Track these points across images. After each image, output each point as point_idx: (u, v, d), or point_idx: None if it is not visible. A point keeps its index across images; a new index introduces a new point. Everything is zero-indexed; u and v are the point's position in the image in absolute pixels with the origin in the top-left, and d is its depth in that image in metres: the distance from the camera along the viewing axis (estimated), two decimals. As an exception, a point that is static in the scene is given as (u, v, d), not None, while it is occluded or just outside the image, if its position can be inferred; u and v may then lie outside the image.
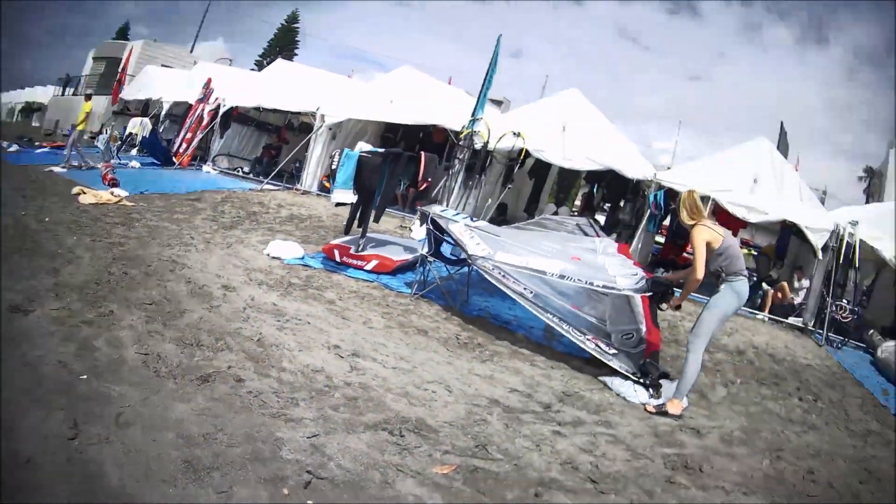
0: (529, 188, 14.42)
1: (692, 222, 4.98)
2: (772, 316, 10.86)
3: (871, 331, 11.36)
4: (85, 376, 2.98)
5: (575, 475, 3.30)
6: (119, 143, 13.86)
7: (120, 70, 20.17)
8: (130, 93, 18.40)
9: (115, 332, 3.60)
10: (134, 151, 14.48)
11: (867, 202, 48.66)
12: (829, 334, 10.47)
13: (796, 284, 11.79)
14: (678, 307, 5.41)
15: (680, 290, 5.28)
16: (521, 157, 11.03)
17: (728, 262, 4.96)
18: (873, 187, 59.42)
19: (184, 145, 14.16)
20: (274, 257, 6.36)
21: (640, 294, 5.74)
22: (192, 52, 26.53)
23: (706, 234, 4.91)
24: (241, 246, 6.82)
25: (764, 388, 6.57)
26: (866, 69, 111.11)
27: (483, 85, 10.97)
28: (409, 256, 6.72)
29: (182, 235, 6.68)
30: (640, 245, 10.83)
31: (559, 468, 3.33)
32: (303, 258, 6.48)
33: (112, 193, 8.10)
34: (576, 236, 6.86)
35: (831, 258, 10.96)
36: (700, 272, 4.87)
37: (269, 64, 15.15)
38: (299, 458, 2.62)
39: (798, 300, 11.58)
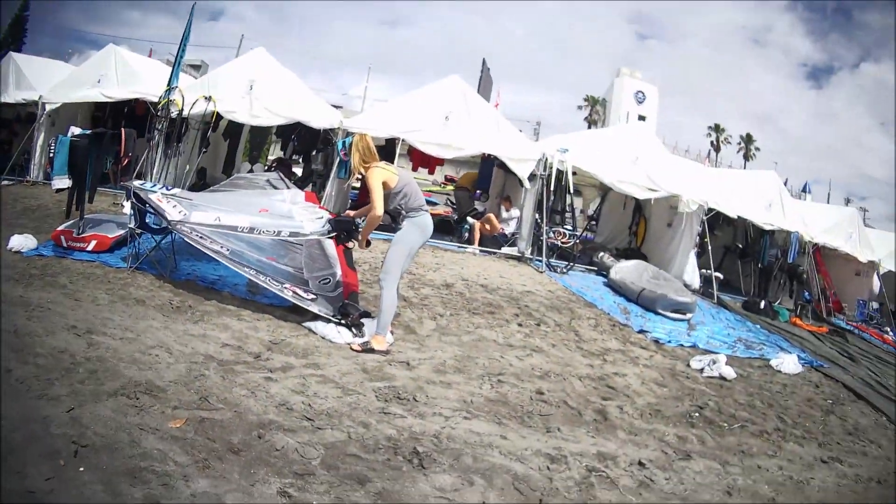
0: (225, 150, 14.54)
1: (366, 165, 5.24)
2: (483, 248, 11.45)
3: (602, 253, 12.36)
4: None
5: (290, 415, 3.60)
6: None
7: None
8: None
9: None
10: None
11: (589, 128, 54.31)
12: (551, 260, 11.06)
13: (504, 215, 12.50)
14: (368, 244, 5.62)
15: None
16: (214, 120, 11.14)
17: (407, 199, 5.23)
18: (595, 115, 66.02)
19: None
20: (16, 251, 6.56)
21: (325, 235, 6.08)
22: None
23: (380, 174, 5.16)
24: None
25: (477, 317, 6.90)
26: (590, 1, 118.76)
27: (177, 54, 10.91)
28: (122, 232, 7.00)
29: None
30: (333, 192, 11.30)
31: (275, 410, 3.62)
32: (37, 248, 6.73)
33: None
34: (266, 191, 7.27)
35: (541, 186, 11.39)
36: (379, 209, 5.10)
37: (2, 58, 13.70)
38: (65, 432, 2.89)
39: (510, 230, 12.29)
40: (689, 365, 6.67)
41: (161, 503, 2.56)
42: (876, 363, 9.30)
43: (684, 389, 5.77)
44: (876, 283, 15.28)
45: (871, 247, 15.16)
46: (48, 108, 12.13)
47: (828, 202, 37.72)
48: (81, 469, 2.66)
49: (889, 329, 13.87)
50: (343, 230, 6.03)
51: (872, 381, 7.77)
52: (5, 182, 11.48)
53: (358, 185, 12.42)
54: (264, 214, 6.21)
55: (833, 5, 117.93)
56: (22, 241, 6.79)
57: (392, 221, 5.46)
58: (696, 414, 5.10)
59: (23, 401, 3.18)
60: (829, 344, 9.94)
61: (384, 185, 5.17)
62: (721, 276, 12.73)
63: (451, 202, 15.16)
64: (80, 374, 3.62)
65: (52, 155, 7.07)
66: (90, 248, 6.82)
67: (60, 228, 7.04)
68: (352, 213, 6.10)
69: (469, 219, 12.33)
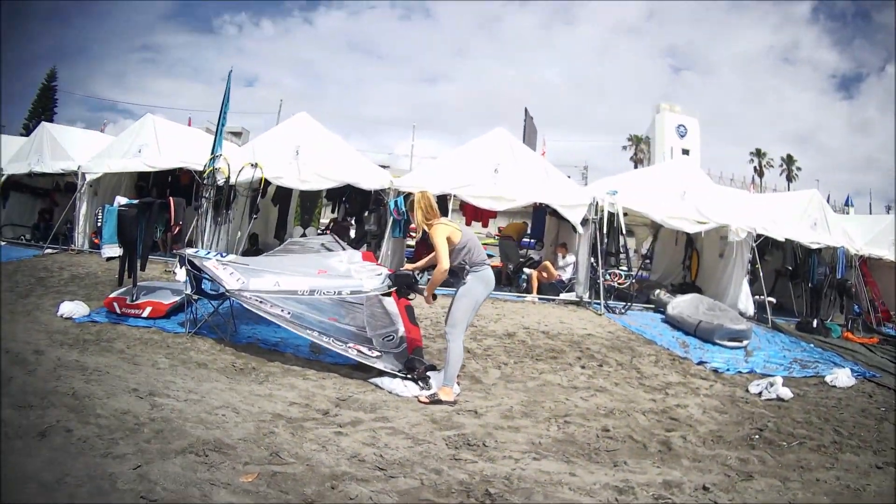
0: (276, 215, 14.58)
1: (429, 222, 5.27)
2: (542, 296, 11.30)
3: (658, 290, 12.34)
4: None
5: (363, 466, 3.58)
6: None
7: None
8: None
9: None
10: None
11: (636, 168, 54.42)
12: (608, 302, 10.95)
13: (561, 262, 12.27)
14: (434, 298, 5.53)
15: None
16: (262, 186, 11.23)
17: (471, 254, 5.28)
18: (640, 153, 66.87)
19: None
20: (66, 318, 6.53)
21: (385, 290, 6.03)
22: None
23: (445, 230, 5.20)
24: (38, 312, 7.02)
25: (540, 362, 6.91)
26: (622, 41, 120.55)
27: (219, 121, 11.19)
28: (177, 298, 6.97)
29: (-13, 310, 6.53)
30: (389, 251, 11.23)
31: (347, 462, 3.59)
32: (90, 315, 6.72)
33: None
34: (321, 254, 7.30)
35: (594, 229, 11.30)
36: (445, 263, 5.12)
37: (34, 127, 14.34)
38: (132, 488, 2.86)
39: (567, 276, 12.08)
40: (747, 390, 6.70)
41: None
42: None
43: (744, 414, 5.80)
44: None
45: None
46: (88, 177, 12.34)
47: (870, 212, 37.45)
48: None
49: None
50: (403, 284, 5.96)
51: None
52: (48, 251, 11.73)
53: (412, 242, 12.23)
54: (323, 276, 6.20)
55: (852, 10, 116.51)
56: (73, 308, 6.77)
57: (452, 276, 5.38)
58: (756, 436, 5.14)
59: (86, 458, 3.14)
60: (880, 354, 9.94)
61: (448, 240, 5.21)
62: (774, 300, 12.58)
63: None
64: (146, 433, 3.58)
65: (99, 224, 7.15)
66: (145, 314, 6.77)
67: (113, 295, 7.02)
68: (410, 266, 6.09)
69: (526, 270, 12.32)
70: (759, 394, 6.50)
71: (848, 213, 20.51)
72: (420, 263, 5.93)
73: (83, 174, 12.34)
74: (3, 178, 13.28)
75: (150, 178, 13.62)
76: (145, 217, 7.27)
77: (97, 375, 4.68)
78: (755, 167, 68.82)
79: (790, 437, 5.15)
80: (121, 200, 7.30)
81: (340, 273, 6.36)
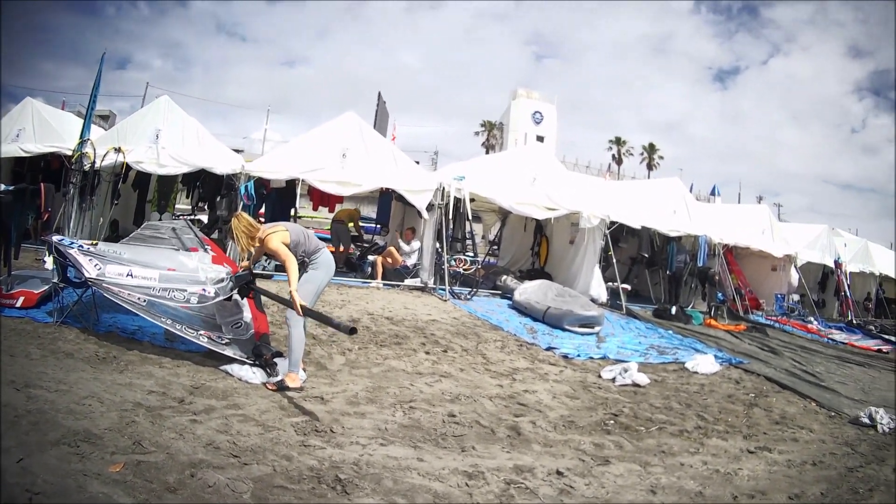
0: (135, 200, 14.63)
1: (257, 237, 5.51)
2: (387, 282, 11.84)
3: (505, 276, 12.98)
4: None
5: (218, 453, 3.79)
6: None
7: None
8: None
9: None
10: None
11: (487, 153, 54.26)
12: (454, 288, 11.53)
13: (406, 248, 12.71)
14: (303, 308, 5.42)
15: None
16: (124, 171, 11.42)
17: (305, 247, 5.54)
18: (492, 139, 66.91)
19: None
20: None
21: (229, 295, 6.22)
22: None
23: (278, 237, 5.44)
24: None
25: (385, 348, 7.14)
26: (488, 26, 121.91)
27: (88, 105, 11.36)
28: (46, 287, 7.20)
29: None
30: None
31: (203, 450, 3.80)
32: None
33: None
34: (173, 247, 7.33)
35: (440, 215, 11.88)
36: (292, 262, 5.37)
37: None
38: (19, 481, 3.05)
39: (411, 262, 12.52)
40: (600, 376, 6.92)
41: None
42: (800, 353, 10.09)
43: (597, 399, 5.99)
44: (794, 276, 16.28)
45: (787, 241, 16.23)
46: None
47: (738, 202, 39.86)
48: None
49: (813, 319, 14.95)
50: (243, 285, 6.22)
51: (798, 371, 8.34)
52: None
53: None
54: (172, 273, 6.40)
55: (738, 5, 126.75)
56: None
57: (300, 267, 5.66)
58: (612, 421, 5.32)
59: None
60: (747, 341, 10.61)
61: (283, 243, 5.47)
62: (629, 287, 13.45)
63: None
64: (24, 426, 3.81)
65: None
66: (18, 304, 7.01)
67: (-11, 286, 7.13)
68: (245, 262, 6.25)
69: (370, 256, 12.86)
70: (613, 379, 6.70)
71: (713, 203, 21.81)
72: (255, 257, 6.15)
73: None
74: None
75: (25, 164, 13.31)
76: (19, 204, 7.46)
77: (-25, 368, 4.70)
78: (613, 155, 71.07)
79: (649, 422, 5.34)
80: None
81: (189, 269, 6.53)
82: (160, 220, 13.35)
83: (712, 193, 26.54)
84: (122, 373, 5.36)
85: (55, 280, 6.87)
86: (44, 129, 12.24)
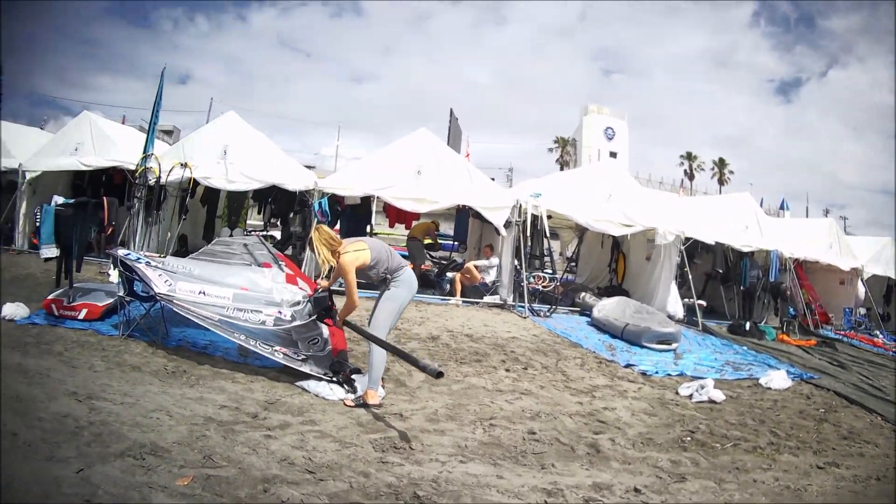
0: (204, 216, 14.47)
1: (336, 252, 5.25)
2: (466, 299, 11.37)
3: (584, 293, 12.20)
4: None
5: (292, 469, 3.67)
6: None
7: None
8: None
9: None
10: None
11: (561, 170, 54.41)
12: (533, 305, 11.09)
13: (485, 264, 12.20)
14: (345, 325, 5.60)
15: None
16: (191, 187, 11.20)
17: (387, 265, 5.30)
18: (566, 156, 66.81)
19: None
20: (9, 320, 6.53)
21: (307, 320, 5.99)
22: None
23: (351, 260, 5.15)
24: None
25: (465, 366, 6.94)
26: (553, 43, 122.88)
27: (151, 120, 11.23)
28: (111, 300, 7.00)
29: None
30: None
31: (277, 465, 3.68)
32: (30, 317, 6.70)
33: None
34: (245, 264, 7.23)
35: (518, 232, 11.43)
36: (353, 299, 5.20)
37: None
38: (76, 491, 2.96)
39: (490, 279, 12.02)
40: (677, 393, 6.75)
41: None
42: (867, 367, 9.59)
43: (674, 416, 5.87)
44: (861, 290, 15.56)
45: (853, 254, 15.53)
46: (28, 176, 12.21)
47: (807, 216, 38.49)
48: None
49: (879, 332, 14.18)
50: (320, 309, 5.94)
51: (865, 385, 7.98)
52: None
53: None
54: (246, 293, 6.23)
55: (796, 16, 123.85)
56: (14, 310, 6.77)
57: (378, 283, 5.50)
58: (688, 438, 5.19)
59: (32, 462, 3.25)
60: (818, 356, 10.13)
61: (359, 266, 5.22)
62: (704, 303, 12.84)
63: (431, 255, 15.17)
64: (86, 437, 3.69)
65: (38, 224, 7.20)
66: (81, 316, 6.82)
67: (51, 297, 7.05)
68: (325, 283, 6.09)
69: (448, 273, 12.52)
70: (690, 396, 6.53)
71: (783, 217, 20.88)
72: (335, 275, 5.79)
73: (23, 172, 12.23)
74: None
75: (85, 177, 13.42)
76: (80, 217, 7.32)
77: (38, 378, 4.76)
78: (685, 170, 70.16)
79: (724, 438, 5.22)
80: (58, 200, 7.35)
81: (263, 289, 6.37)
82: (231, 235, 13.44)
83: (781, 207, 25.72)
84: (193, 387, 5.22)
85: (121, 294, 6.64)
86: (103, 143, 12.17)
